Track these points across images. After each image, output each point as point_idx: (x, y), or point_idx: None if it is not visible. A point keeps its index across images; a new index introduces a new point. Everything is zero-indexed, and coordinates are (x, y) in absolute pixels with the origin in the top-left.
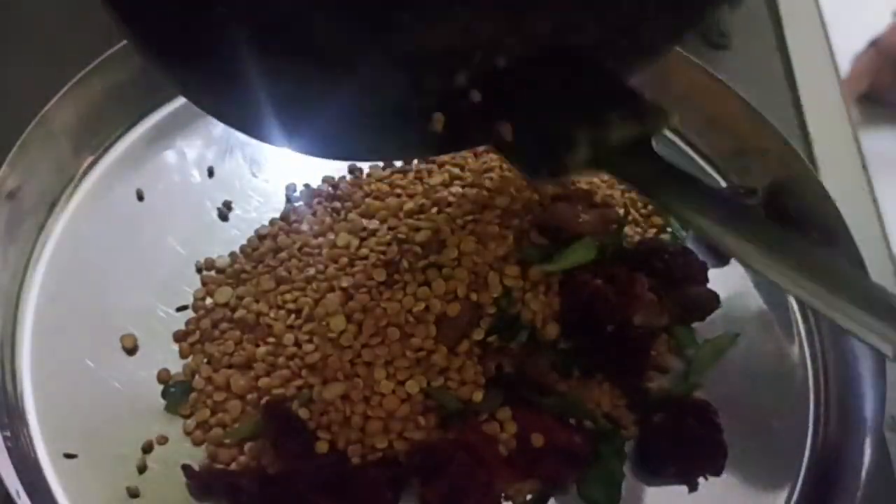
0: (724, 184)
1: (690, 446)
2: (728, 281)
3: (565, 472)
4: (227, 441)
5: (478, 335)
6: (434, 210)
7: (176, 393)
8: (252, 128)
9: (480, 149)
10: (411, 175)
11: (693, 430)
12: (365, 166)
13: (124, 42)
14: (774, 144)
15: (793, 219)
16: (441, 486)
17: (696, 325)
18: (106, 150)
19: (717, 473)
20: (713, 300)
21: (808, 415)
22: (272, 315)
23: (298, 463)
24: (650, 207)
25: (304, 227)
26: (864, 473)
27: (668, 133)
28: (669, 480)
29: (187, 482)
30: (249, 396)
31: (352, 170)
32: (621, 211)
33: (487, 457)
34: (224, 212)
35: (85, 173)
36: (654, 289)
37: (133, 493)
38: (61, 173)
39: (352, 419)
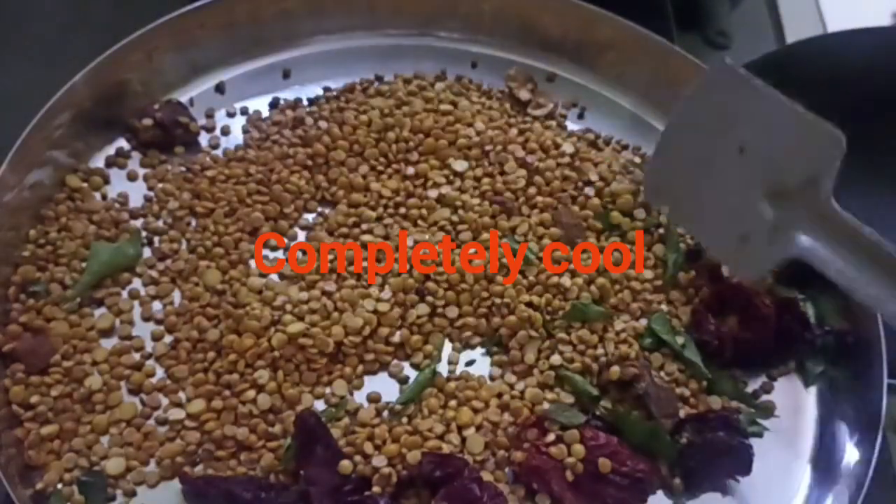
0: None
1: (724, 456)
2: None
3: (630, 499)
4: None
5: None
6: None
7: None
8: None
9: None
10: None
11: (723, 441)
12: None
13: (122, 43)
14: None
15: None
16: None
17: None
18: (106, 149)
19: (747, 473)
20: None
21: (810, 415)
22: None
23: (321, 473)
24: None
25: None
26: (865, 474)
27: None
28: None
29: (183, 488)
30: None
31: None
32: None
33: (553, 480)
34: None
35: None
36: None
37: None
38: (61, 173)
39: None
